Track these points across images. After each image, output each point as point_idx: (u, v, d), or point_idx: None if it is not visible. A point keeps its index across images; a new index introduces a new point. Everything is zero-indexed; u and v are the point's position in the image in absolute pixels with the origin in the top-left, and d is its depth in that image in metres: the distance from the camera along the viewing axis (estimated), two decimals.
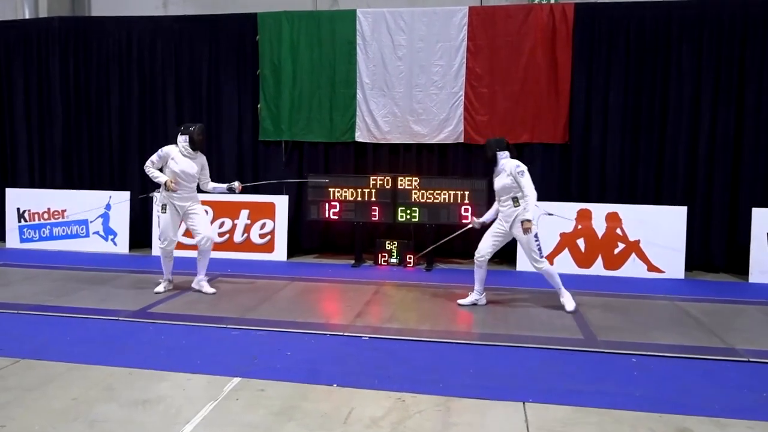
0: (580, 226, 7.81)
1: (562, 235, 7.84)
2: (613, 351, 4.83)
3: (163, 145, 6.30)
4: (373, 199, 8.11)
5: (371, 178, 8.17)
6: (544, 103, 8.18)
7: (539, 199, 7.41)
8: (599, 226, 7.78)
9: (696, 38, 7.86)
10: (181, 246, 7.23)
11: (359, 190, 8.14)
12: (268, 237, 8.56)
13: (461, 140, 8.41)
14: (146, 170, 6.40)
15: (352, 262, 8.32)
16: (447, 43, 8.29)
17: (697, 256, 7.99)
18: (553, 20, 8.06)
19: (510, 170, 5.85)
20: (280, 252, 8.53)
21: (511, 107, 8.25)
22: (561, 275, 7.34)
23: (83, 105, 9.45)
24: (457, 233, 6.90)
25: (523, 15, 8.13)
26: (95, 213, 8.96)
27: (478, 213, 7.79)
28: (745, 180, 7.88)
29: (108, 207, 8.93)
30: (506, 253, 8.41)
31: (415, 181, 8.03)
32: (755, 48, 7.73)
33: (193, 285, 6.57)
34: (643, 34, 7.99)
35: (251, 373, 4.25)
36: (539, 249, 5.90)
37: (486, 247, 6.09)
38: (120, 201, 8.88)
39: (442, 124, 8.41)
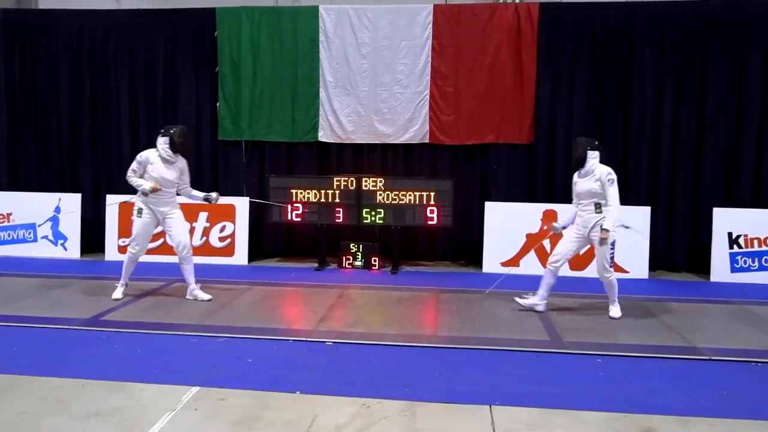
0: (545, 227, 7.94)
1: (528, 236, 7.96)
2: (579, 352, 4.93)
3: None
4: (337, 200, 8.10)
5: (335, 179, 8.16)
6: (510, 103, 8.31)
7: (506, 199, 7.54)
8: None
9: (659, 39, 8.10)
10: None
11: (323, 192, 8.11)
12: (228, 240, 8.46)
13: (426, 140, 8.47)
14: (128, 180, 6.27)
15: (316, 265, 8.28)
16: (412, 41, 8.34)
17: (660, 256, 8.22)
18: (518, 20, 8.19)
19: (600, 176, 5.76)
20: (240, 255, 8.44)
21: (477, 107, 8.35)
22: (527, 276, 7.47)
23: (30, 103, 9.17)
24: (542, 240, 6.86)
25: (488, 14, 8.24)
26: (44, 216, 8.70)
27: (443, 214, 7.89)
28: (706, 180, 8.15)
29: (57, 210, 8.69)
30: (471, 254, 8.54)
31: (380, 181, 8.05)
32: (715, 50, 8.01)
33: (187, 296, 6.44)
34: (607, 34, 8.19)
35: (211, 382, 4.19)
36: (612, 258, 5.87)
37: (563, 252, 6.00)
38: (70, 203, 8.65)
39: (407, 123, 8.45)
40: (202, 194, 6.57)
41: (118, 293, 6.40)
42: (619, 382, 4.32)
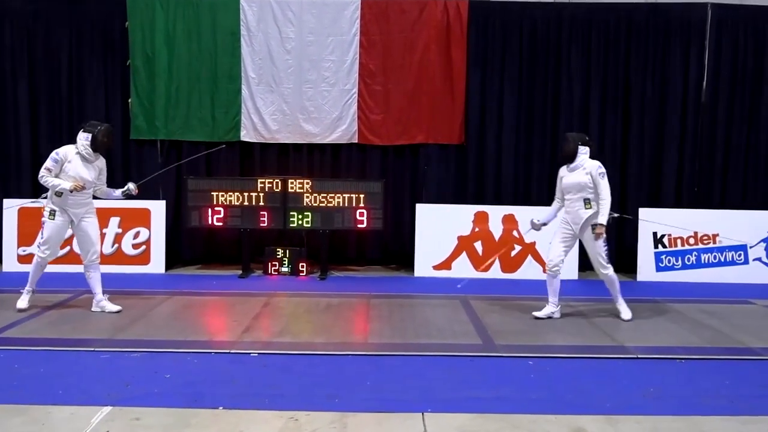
0: (477, 229, 8.15)
1: (459, 238, 8.14)
2: (511, 355, 5.09)
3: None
4: (262, 203, 8.00)
5: (259, 180, 8.06)
6: (440, 103, 8.48)
7: (437, 200, 7.67)
8: (496, 229, 8.15)
9: (585, 41, 8.51)
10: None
11: (246, 194, 8.00)
12: (143, 247, 8.19)
13: (355, 140, 8.52)
14: (41, 180, 5.93)
15: (239, 272, 8.15)
16: (339, 37, 8.37)
17: (588, 257, 8.57)
18: (448, 17, 8.38)
19: (590, 170, 5.86)
20: (157, 263, 8.20)
21: (406, 106, 8.47)
22: (459, 279, 7.63)
23: None
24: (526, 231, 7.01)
25: (417, 11, 8.38)
26: None
27: (373, 216, 7.95)
28: (631, 180, 8.62)
29: None
30: (403, 258, 8.64)
31: (307, 183, 8.01)
32: (639, 53, 8.49)
33: (93, 308, 6.17)
34: (535, 34, 8.52)
35: (124, 401, 4.05)
36: (606, 254, 6.00)
37: (557, 254, 6.06)
38: None
39: (335, 123, 8.46)
40: (119, 191, 6.32)
41: (23, 302, 6.08)
42: (550, 384, 4.49)
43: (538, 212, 8.04)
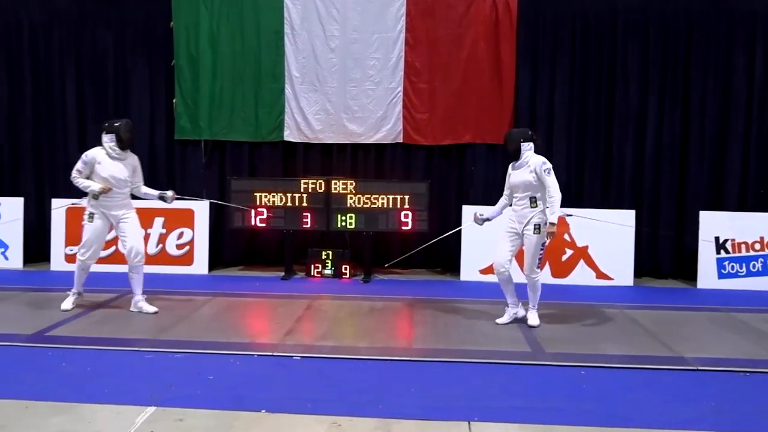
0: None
1: None
2: (562, 363, 5.01)
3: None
4: (305, 204, 8.09)
5: (302, 181, 8.15)
6: (488, 101, 8.42)
7: (484, 202, 7.64)
8: None
9: (642, 36, 8.31)
10: None
11: (289, 195, 8.10)
12: (187, 248, 8.39)
13: (400, 140, 8.53)
14: (73, 181, 6.19)
15: (282, 274, 8.26)
16: (384, 34, 8.40)
17: (645, 263, 8.40)
18: (496, 13, 8.32)
19: (535, 167, 5.83)
20: (200, 264, 8.38)
21: (453, 105, 8.44)
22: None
23: None
24: (448, 234, 7.06)
25: (465, 6, 8.35)
26: None
27: (418, 218, 7.94)
28: (690, 183, 8.38)
29: None
30: (448, 261, 8.60)
31: (351, 184, 8.06)
32: (699, 47, 8.25)
33: (131, 308, 6.36)
34: (588, 30, 8.37)
35: (168, 402, 4.15)
36: (540, 259, 5.95)
37: (504, 256, 6.04)
38: (12, 209, 8.45)
39: (380, 122, 8.49)
40: (156, 192, 6.50)
41: (67, 303, 6.31)
42: (603, 395, 4.40)
43: (590, 215, 8.01)
